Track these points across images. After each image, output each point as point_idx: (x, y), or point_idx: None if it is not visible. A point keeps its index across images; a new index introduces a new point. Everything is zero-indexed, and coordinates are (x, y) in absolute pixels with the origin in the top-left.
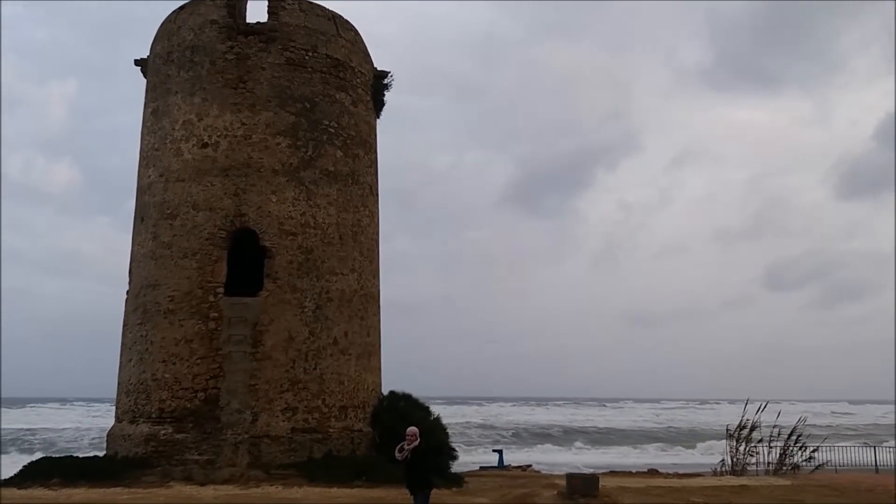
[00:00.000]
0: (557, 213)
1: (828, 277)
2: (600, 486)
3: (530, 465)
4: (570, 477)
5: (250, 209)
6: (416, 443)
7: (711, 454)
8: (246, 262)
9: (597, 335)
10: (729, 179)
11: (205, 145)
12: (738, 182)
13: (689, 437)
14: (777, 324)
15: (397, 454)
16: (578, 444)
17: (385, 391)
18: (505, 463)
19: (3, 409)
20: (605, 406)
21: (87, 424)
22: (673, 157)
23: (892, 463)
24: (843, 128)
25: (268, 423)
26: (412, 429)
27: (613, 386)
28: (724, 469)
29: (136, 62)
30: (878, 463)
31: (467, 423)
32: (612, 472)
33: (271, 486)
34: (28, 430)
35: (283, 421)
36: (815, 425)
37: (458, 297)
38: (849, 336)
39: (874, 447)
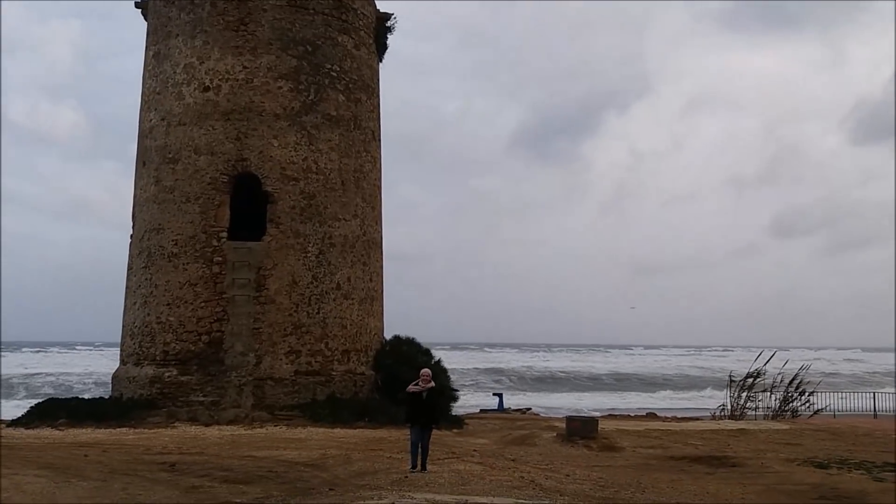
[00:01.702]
0: (567, 160)
1: (839, 224)
2: (599, 429)
3: (530, 409)
4: (570, 419)
5: (252, 154)
6: (431, 385)
7: (712, 399)
8: (249, 206)
9: (603, 283)
10: (743, 125)
11: (206, 89)
12: (752, 128)
13: (691, 384)
14: (787, 271)
15: (411, 387)
16: (579, 388)
17: (389, 336)
18: (505, 406)
19: (10, 354)
20: (607, 352)
21: (93, 368)
22: (687, 101)
23: (893, 409)
24: (863, 72)
25: (271, 365)
26: (427, 370)
27: (618, 334)
28: (723, 414)
29: (137, 4)
30: (876, 408)
31: (470, 368)
32: (611, 415)
33: (276, 426)
34: (35, 373)
35: (287, 364)
36: (822, 372)
37: (466, 245)
38: (861, 283)
39: (873, 393)
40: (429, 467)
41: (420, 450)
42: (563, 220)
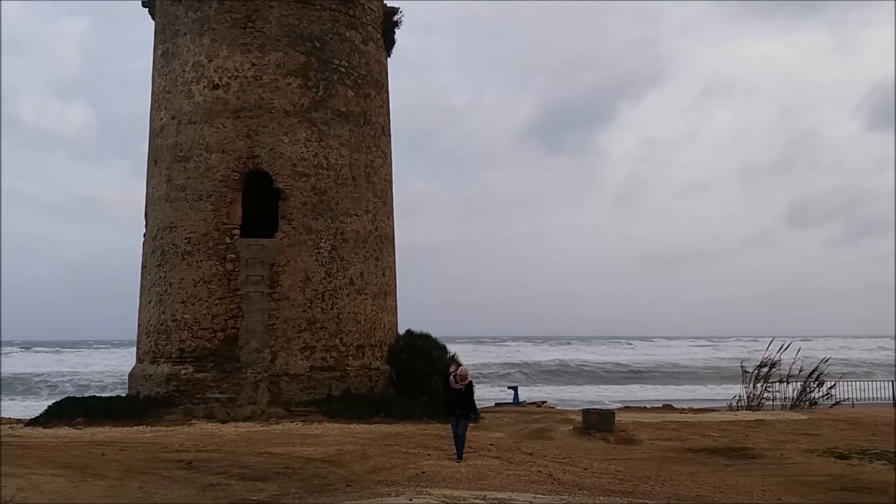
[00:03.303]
0: (578, 151)
1: (853, 212)
2: (616, 421)
3: (545, 402)
4: (586, 412)
5: (263, 151)
6: (468, 381)
7: (729, 390)
8: (261, 204)
9: (615, 276)
10: (757, 113)
11: (216, 87)
12: (768, 115)
13: (707, 375)
14: (801, 261)
15: (452, 382)
16: (595, 381)
17: (402, 331)
18: (520, 399)
19: (26, 355)
20: (621, 344)
21: (109, 367)
22: (701, 89)
23: None
24: (878, 57)
25: (287, 361)
26: (465, 368)
27: (631, 326)
28: (739, 404)
29: (144, 3)
30: None
31: (485, 363)
32: (627, 407)
33: (292, 422)
34: (50, 373)
35: (302, 360)
36: (844, 360)
37: (478, 238)
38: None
39: (891, 382)
40: (445, 462)
41: (456, 439)
42: (576, 211)
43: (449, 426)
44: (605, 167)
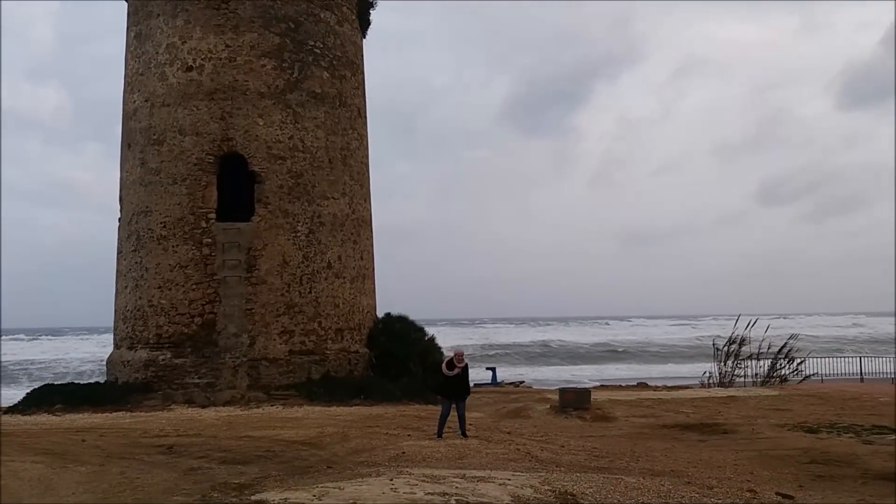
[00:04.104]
0: (556, 131)
1: (823, 189)
2: (592, 400)
3: (523, 382)
4: (563, 391)
5: (237, 133)
6: (465, 363)
7: (702, 369)
8: (237, 187)
9: (593, 255)
10: (732, 91)
11: (189, 68)
12: (740, 93)
13: (682, 353)
14: (773, 238)
15: (447, 371)
16: (571, 360)
17: (381, 314)
18: (498, 380)
19: (4, 342)
20: (598, 324)
21: (87, 353)
22: (676, 68)
23: (880, 372)
24: (852, 35)
25: (265, 346)
26: (460, 349)
27: (609, 305)
28: (711, 382)
29: None
30: (863, 372)
31: (464, 345)
32: (602, 385)
33: (272, 406)
34: (29, 360)
35: (281, 344)
36: (814, 337)
37: (457, 219)
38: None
39: (859, 357)
40: (426, 442)
41: (458, 419)
42: (554, 191)
43: (436, 407)
44: (582, 146)
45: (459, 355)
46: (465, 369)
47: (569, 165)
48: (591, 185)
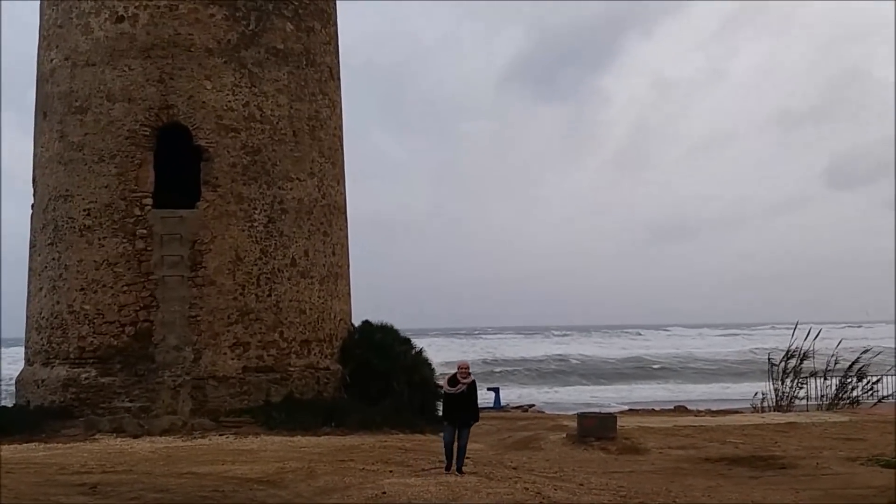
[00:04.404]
0: (574, 95)
1: None
2: (618, 427)
3: (533, 405)
4: (582, 417)
5: (180, 99)
6: (472, 379)
7: (753, 389)
8: (179, 166)
9: (620, 250)
10: (795, 47)
11: (120, 19)
12: (806, 50)
13: (729, 370)
14: (845, 229)
15: (448, 388)
16: (593, 379)
17: (358, 322)
18: (502, 403)
19: None
20: (627, 335)
21: None
22: (726, 18)
23: None
24: None
25: (213, 361)
26: (465, 362)
27: (640, 311)
28: (766, 405)
29: None
30: None
31: (461, 359)
32: (631, 410)
33: (221, 436)
34: None
35: (233, 359)
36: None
37: (453, 206)
38: None
39: None
40: (411, 479)
41: (456, 450)
42: (571, 172)
43: (425, 437)
44: (607, 115)
45: (464, 369)
46: (473, 386)
47: (590, 140)
48: (617, 164)
